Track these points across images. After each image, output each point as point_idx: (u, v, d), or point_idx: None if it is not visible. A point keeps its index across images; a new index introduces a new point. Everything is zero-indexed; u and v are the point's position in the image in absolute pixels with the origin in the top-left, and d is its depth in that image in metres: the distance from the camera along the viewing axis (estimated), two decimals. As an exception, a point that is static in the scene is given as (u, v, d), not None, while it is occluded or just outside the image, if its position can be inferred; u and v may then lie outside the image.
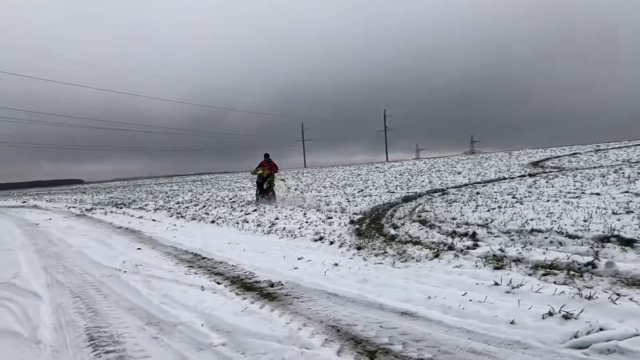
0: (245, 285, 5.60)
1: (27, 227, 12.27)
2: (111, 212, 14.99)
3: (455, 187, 16.41)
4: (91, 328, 4.42)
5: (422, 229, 7.99)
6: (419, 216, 9.41)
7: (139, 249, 8.44)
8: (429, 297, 4.52)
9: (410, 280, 5.21)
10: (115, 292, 5.60)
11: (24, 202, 22.58)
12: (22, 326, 4.57)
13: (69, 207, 17.43)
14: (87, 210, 15.91)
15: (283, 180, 19.16)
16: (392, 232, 7.92)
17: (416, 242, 7.03)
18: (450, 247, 6.48)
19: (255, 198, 16.55)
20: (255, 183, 18.06)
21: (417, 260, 6.07)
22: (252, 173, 16.41)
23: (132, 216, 13.53)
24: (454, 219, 8.69)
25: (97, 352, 3.84)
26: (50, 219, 14.16)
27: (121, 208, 15.78)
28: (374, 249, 6.90)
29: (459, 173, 23.78)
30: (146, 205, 15.97)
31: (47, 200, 22.06)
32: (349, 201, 13.15)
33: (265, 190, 15.79)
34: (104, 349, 3.90)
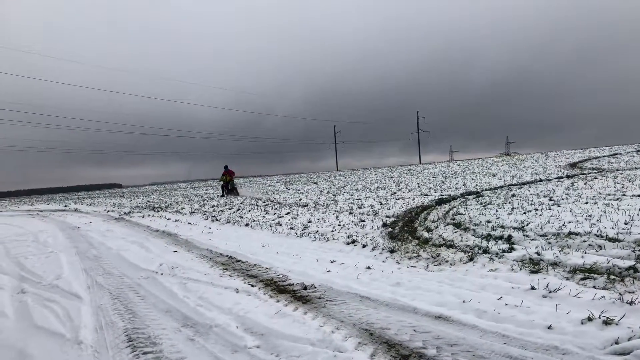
0: (278, 287, 5.65)
1: (68, 231, 12.68)
2: (148, 215, 15.35)
3: (490, 189, 16.13)
4: (129, 329, 4.54)
5: (456, 232, 7.89)
6: (453, 219, 9.29)
7: (175, 251, 8.62)
8: (464, 301, 4.48)
9: (444, 284, 5.17)
10: (153, 294, 5.74)
11: (65, 206, 23.33)
12: (64, 327, 4.74)
13: (108, 211, 17.93)
14: (125, 213, 16.34)
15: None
16: (426, 235, 7.85)
17: (450, 246, 6.95)
18: (485, 251, 6.37)
19: (221, 194, 24.28)
20: (220, 186, 25.75)
21: (451, 264, 6.01)
22: (219, 180, 24.38)
23: (168, 219, 13.82)
24: (488, 221, 8.55)
25: (135, 352, 3.94)
26: (91, 222, 14.59)
27: (158, 212, 16.14)
28: (407, 252, 6.86)
29: (494, 175, 23.36)
30: (182, 208, 16.27)
31: (87, 204, 22.75)
32: (381, 204, 13.09)
33: (230, 189, 23.65)
34: (142, 349, 4.00)
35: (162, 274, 6.72)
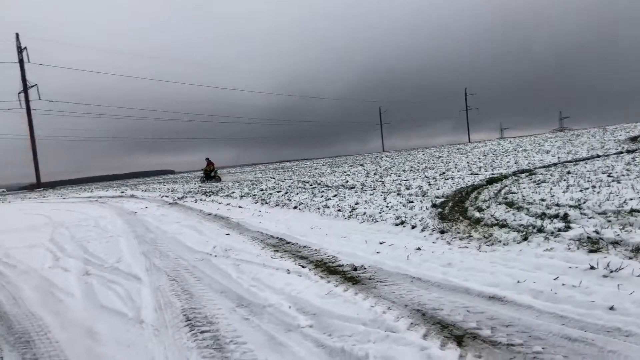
0: (328, 268, 5.72)
1: (126, 216, 13.20)
2: (200, 200, 15.76)
3: (544, 166, 15.60)
4: (187, 309, 4.72)
5: (508, 211, 7.70)
6: (505, 198, 9.07)
7: (228, 234, 8.84)
8: (518, 282, 4.39)
9: (498, 264, 5.08)
10: (208, 275, 5.92)
11: (122, 192, 24.27)
12: (127, 307, 4.98)
13: (162, 196, 18.53)
14: (178, 198, 16.84)
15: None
16: (477, 215, 7.70)
17: (503, 225, 6.79)
18: (540, 230, 6.20)
19: (202, 181, 28.22)
20: (204, 174, 28.91)
21: (504, 244, 5.89)
22: (202, 170, 28.96)
23: (220, 203, 14.14)
24: (543, 200, 8.29)
25: (193, 332, 4.10)
26: (146, 207, 15.13)
27: (209, 196, 16.54)
28: (458, 232, 6.77)
29: (547, 152, 22.56)
30: (232, 192, 16.61)
31: (142, 190, 23.57)
32: (430, 184, 12.91)
33: (212, 176, 28.06)
34: (199, 329, 4.15)
35: (216, 256, 6.91)
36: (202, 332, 4.07)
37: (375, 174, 19.77)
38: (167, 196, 18.39)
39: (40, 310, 5.13)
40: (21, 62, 51.89)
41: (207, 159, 28.60)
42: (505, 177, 13.50)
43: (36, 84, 52.17)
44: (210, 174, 28.49)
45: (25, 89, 52.03)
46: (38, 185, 53.17)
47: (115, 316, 4.75)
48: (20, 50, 51.77)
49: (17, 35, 51.80)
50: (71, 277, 6.40)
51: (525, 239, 5.89)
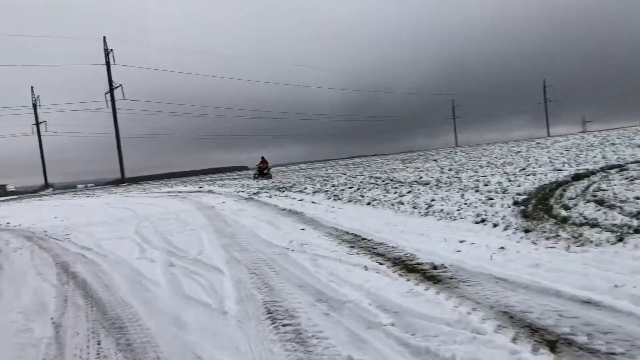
0: (407, 266, 5.62)
1: (205, 210, 13.69)
2: (275, 195, 16.05)
3: (636, 162, 14.53)
4: (268, 302, 4.80)
5: (599, 209, 7.23)
6: (594, 195, 8.53)
7: (303, 229, 8.93)
8: (615, 286, 4.10)
9: (590, 266, 4.77)
10: (286, 269, 6.01)
11: (200, 187, 25.21)
12: (210, 298, 5.14)
13: (238, 192, 19.05)
14: (254, 194, 17.24)
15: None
16: (564, 213, 7.29)
17: (593, 225, 6.39)
18: (637, 231, 5.77)
19: (254, 177, 29.86)
20: (257, 171, 30.42)
21: (596, 245, 5.52)
22: (256, 165, 30.81)
23: (293, 199, 14.33)
24: (638, 198, 7.72)
25: (275, 324, 4.16)
26: (224, 202, 15.61)
27: (283, 191, 16.82)
28: (544, 231, 6.43)
29: (639, 146, 21.01)
30: (305, 188, 16.79)
31: (219, 186, 24.38)
32: (510, 181, 12.39)
33: (264, 173, 29.22)
34: (281, 322, 4.21)
35: (293, 250, 7.00)
36: (284, 325, 4.12)
37: (450, 169, 19.27)
38: (242, 191, 18.89)
39: (130, 298, 5.42)
40: (108, 64, 55.27)
41: (262, 157, 30.38)
42: (593, 173, 12.70)
43: (121, 85, 55.41)
44: (263, 171, 29.88)
45: (111, 89, 55.43)
46: (122, 181, 56.51)
47: (199, 306, 4.93)
48: (107, 52, 55.15)
49: (105, 38, 55.18)
50: (157, 268, 6.71)
51: (621, 239, 5.50)
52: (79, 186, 76.25)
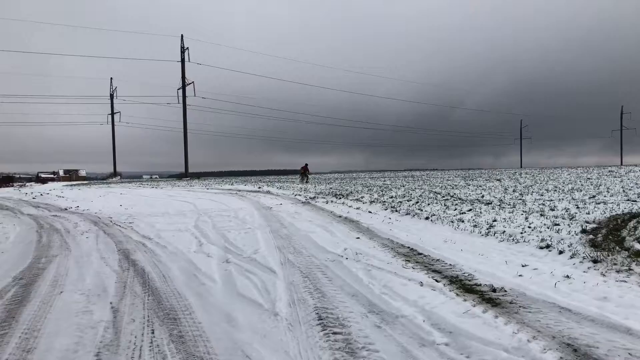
0: (464, 286, 5.43)
1: (262, 210, 13.89)
2: (331, 201, 16.06)
3: None
4: (319, 308, 4.77)
5: (678, 246, 6.73)
6: (673, 231, 7.95)
7: (358, 238, 8.86)
8: (694, 329, 3.78)
9: (666, 306, 4.43)
10: (339, 277, 5.96)
11: (259, 187, 25.61)
12: (262, 298, 5.18)
13: (296, 195, 19.22)
14: (310, 198, 17.34)
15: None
16: (638, 246, 6.83)
17: (671, 262, 5.94)
18: None
19: (300, 181, 33.18)
20: (299, 175, 34.75)
21: (673, 283, 5.13)
22: (300, 169, 34.24)
23: (350, 207, 14.28)
24: None
25: (325, 331, 4.12)
26: (281, 204, 15.79)
27: (340, 198, 16.79)
28: (615, 264, 6.05)
29: None
30: (362, 197, 16.69)
31: (277, 187, 24.66)
32: (578, 207, 11.78)
33: (304, 178, 33.09)
34: (331, 329, 4.17)
35: (347, 258, 6.95)
36: (334, 333, 4.08)
37: (514, 190, 18.59)
38: (300, 195, 19.04)
39: (185, 291, 5.54)
40: (182, 61, 57.33)
41: (306, 164, 34.33)
42: (671, 207, 11.86)
43: (193, 82, 57.32)
44: (304, 175, 34.31)
45: (184, 86, 57.38)
46: (186, 175, 58.28)
47: (251, 305, 4.97)
48: (182, 50, 57.24)
49: (182, 36, 57.34)
50: (213, 263, 6.85)
51: (702, 280, 5.09)
52: (145, 176, 79.67)
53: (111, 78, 67.95)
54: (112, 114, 67.51)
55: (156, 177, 75.77)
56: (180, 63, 57.41)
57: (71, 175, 74.26)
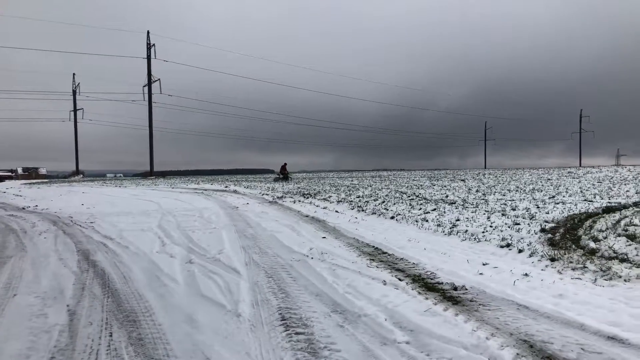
0: (427, 285, 5.51)
1: (229, 210, 13.75)
2: (299, 201, 16.03)
3: (672, 199, 14.05)
4: (283, 308, 4.76)
5: (630, 244, 6.99)
6: (626, 230, 8.25)
7: (324, 237, 8.88)
8: (644, 325, 3.93)
9: (618, 302, 4.60)
10: (303, 277, 5.96)
11: (226, 187, 25.35)
12: (225, 299, 5.13)
13: (263, 194, 19.12)
14: (278, 198, 17.27)
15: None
16: (592, 245, 7.07)
17: (623, 260, 6.18)
18: (669, 270, 5.55)
19: (274, 180, 33.03)
20: (278, 174, 34.67)
21: (625, 280, 5.33)
22: (277, 171, 34.86)
23: (317, 206, 14.29)
24: (672, 236, 7.43)
25: (288, 332, 4.11)
26: (248, 203, 15.68)
27: (307, 198, 16.79)
28: (571, 262, 6.24)
29: (676, 184, 20.31)
30: (329, 197, 16.73)
31: (244, 187, 24.48)
32: (538, 207, 12.10)
33: (284, 177, 33.06)
34: (294, 330, 4.16)
35: (312, 258, 6.95)
36: (297, 333, 4.07)
37: (477, 190, 18.96)
38: (267, 194, 18.95)
39: (146, 292, 5.44)
40: (149, 58, 56.29)
41: (285, 163, 34.86)
42: (625, 207, 12.32)
43: (159, 79, 56.34)
44: (282, 174, 34.81)
45: (150, 83, 56.34)
46: (151, 173, 57.28)
47: (214, 306, 4.91)
48: (149, 46, 56.20)
49: (148, 32, 56.27)
50: (176, 264, 6.74)
51: (652, 277, 5.30)
52: (109, 175, 77.96)
53: (74, 74, 66.17)
54: (75, 110, 65.71)
55: (120, 176, 74.17)
56: (146, 60, 56.36)
57: (30, 174, 72.04)
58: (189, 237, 8.78)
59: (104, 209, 14.50)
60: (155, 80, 56.31)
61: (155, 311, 4.78)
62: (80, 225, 10.63)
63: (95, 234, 9.38)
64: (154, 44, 56.20)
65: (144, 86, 56.68)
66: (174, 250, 7.61)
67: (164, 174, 60.84)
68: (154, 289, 5.57)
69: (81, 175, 64.70)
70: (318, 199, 16.27)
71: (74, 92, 65.36)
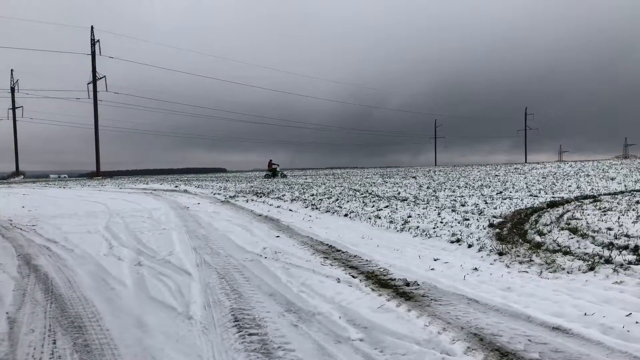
0: (380, 281, 5.56)
1: (179, 210, 13.47)
2: (252, 200, 15.89)
3: (609, 194, 14.79)
4: (236, 309, 4.68)
5: (572, 237, 7.30)
6: (568, 224, 8.61)
7: (278, 236, 8.82)
8: (585, 314, 4.10)
9: (561, 293, 4.78)
10: (257, 277, 5.89)
11: (176, 186, 24.85)
12: (176, 301, 5.00)
13: (215, 194, 18.83)
14: (230, 197, 17.06)
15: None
16: (538, 239, 7.34)
17: (566, 252, 6.43)
18: (608, 261, 5.82)
19: (265, 177, 33.75)
20: (267, 172, 34.87)
21: (568, 272, 5.55)
22: (268, 167, 34.92)
23: (270, 205, 14.20)
24: (610, 229, 7.81)
25: (241, 333, 4.04)
26: (199, 203, 15.40)
27: (261, 197, 16.66)
28: (518, 255, 6.45)
29: (613, 179, 21.43)
30: (283, 195, 16.66)
31: (195, 186, 24.05)
32: (486, 203, 12.48)
33: (273, 174, 33.52)
34: (247, 331, 4.10)
35: (265, 257, 6.88)
36: (250, 334, 4.01)
37: (428, 187, 19.37)
38: (219, 194, 18.68)
39: (93, 296, 5.23)
40: (93, 54, 54.36)
41: (270, 160, 34.94)
42: (568, 201, 12.88)
43: (104, 76, 54.50)
44: (272, 171, 34.84)
45: (95, 80, 54.44)
46: (97, 174, 55.38)
47: (164, 309, 4.78)
48: (93, 42, 54.25)
49: (92, 28, 54.31)
50: (124, 266, 6.53)
51: (592, 269, 5.54)
52: (52, 176, 74.63)
53: (12, 70, 63.13)
54: (14, 108, 62.71)
55: (65, 177, 71.25)
56: (90, 56, 54.40)
57: (-35, 175, 68.17)
58: (138, 239, 8.52)
59: (47, 211, 13.89)
60: (101, 78, 54.46)
61: (103, 316, 4.60)
62: (21, 229, 10.13)
63: (38, 237, 8.97)
64: (98, 40, 54.33)
65: (88, 83, 54.73)
66: (122, 253, 7.37)
67: (111, 174, 59.03)
68: (101, 292, 5.36)
69: (22, 176, 61.74)
70: (271, 198, 16.18)
71: (12, 90, 62.36)
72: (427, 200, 13.92)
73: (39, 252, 7.56)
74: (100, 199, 18.25)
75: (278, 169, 34.72)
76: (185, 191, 21.29)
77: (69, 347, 3.86)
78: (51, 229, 10.00)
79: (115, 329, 4.26)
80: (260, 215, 11.95)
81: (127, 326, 4.32)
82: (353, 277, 5.73)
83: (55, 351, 3.78)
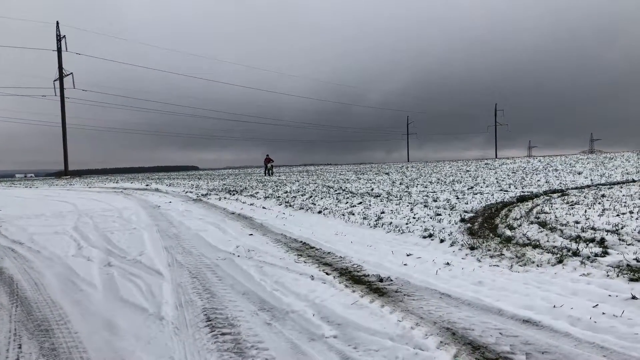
0: (353, 277, 5.56)
1: (150, 209, 13.24)
2: (225, 198, 15.73)
3: (576, 188, 15.17)
4: (208, 309, 4.61)
5: (541, 231, 7.44)
6: (537, 217, 8.79)
7: (251, 234, 8.75)
8: (554, 306, 4.18)
9: (531, 286, 4.86)
10: (230, 276, 5.83)
11: (147, 185, 24.42)
12: (147, 302, 4.90)
13: (187, 192, 18.58)
14: (202, 195, 16.85)
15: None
16: (508, 233, 7.46)
17: (536, 246, 6.56)
18: (575, 253, 5.96)
19: (263, 173, 34.58)
20: (264, 167, 34.83)
21: (537, 265, 5.66)
22: (264, 162, 34.41)
23: (243, 203, 14.09)
24: (577, 222, 8.00)
25: (214, 333, 3.99)
26: (170, 202, 15.17)
27: (234, 195, 16.51)
28: (489, 250, 6.55)
29: (579, 173, 21.98)
30: (256, 193, 16.55)
31: (167, 185, 23.69)
32: (458, 198, 12.63)
33: (269, 170, 33.64)
34: (220, 330, 4.05)
35: (238, 256, 6.82)
36: (223, 334, 3.96)
37: (401, 183, 19.51)
38: (191, 192, 18.45)
39: (61, 299, 5.10)
40: (59, 50, 52.97)
41: (267, 155, 34.37)
42: (537, 196, 13.15)
43: (71, 73, 53.14)
44: (268, 166, 34.42)
45: (61, 77, 53.06)
46: (65, 173, 54.08)
47: (135, 310, 4.69)
48: (59, 38, 52.84)
49: (58, 23, 52.90)
50: (93, 267, 6.38)
51: (560, 261, 5.67)
52: (18, 176, 72.75)
53: (-26, 67, 61.08)
54: (-24, 106, 60.70)
55: (32, 176, 69.49)
56: (56, 52, 53.01)
57: None
58: (108, 239, 8.34)
59: (12, 211, 13.49)
60: (68, 75, 53.06)
61: (71, 318, 4.48)
62: (-15, 230, 9.81)
63: (2, 239, 8.70)
64: (64, 36, 52.90)
65: (54, 80, 53.31)
66: (91, 253, 7.20)
67: (80, 173, 57.76)
68: (70, 294, 5.22)
69: (-14, 176, 59.93)
70: (245, 196, 16.06)
71: (-24, 87, 60.41)
72: (400, 196, 14.01)
73: (4, 254, 7.34)
74: (69, 198, 17.83)
75: (269, 165, 34.07)
76: (157, 190, 20.96)
77: (35, 351, 3.74)
78: (16, 230, 9.72)
79: (84, 331, 4.15)
80: (233, 213, 11.85)
81: (96, 328, 4.22)
82: (327, 273, 5.72)
83: (20, 355, 3.66)
